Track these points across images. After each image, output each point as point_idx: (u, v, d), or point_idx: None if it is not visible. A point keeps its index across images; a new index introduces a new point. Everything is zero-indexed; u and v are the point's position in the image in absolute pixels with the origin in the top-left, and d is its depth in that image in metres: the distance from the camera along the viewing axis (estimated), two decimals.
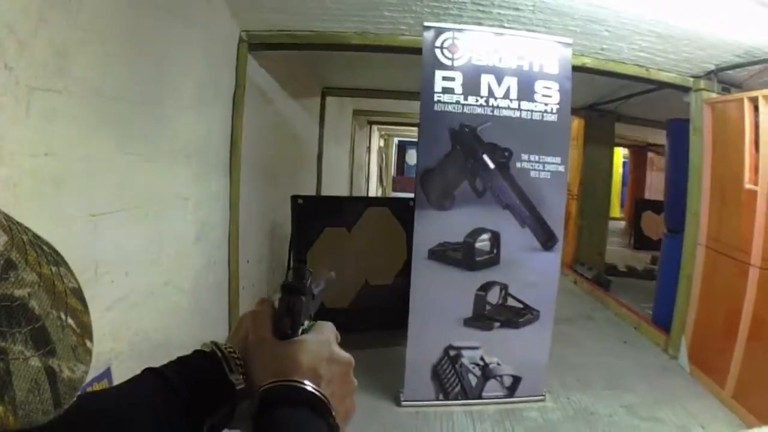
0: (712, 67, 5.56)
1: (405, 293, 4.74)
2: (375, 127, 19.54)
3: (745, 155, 5.06)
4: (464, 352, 4.75)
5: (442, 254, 4.63)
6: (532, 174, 4.68)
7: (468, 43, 4.62)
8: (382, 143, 24.00)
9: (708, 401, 5.05)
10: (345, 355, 0.90)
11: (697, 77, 5.78)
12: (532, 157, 4.68)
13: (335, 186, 11.37)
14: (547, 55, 4.72)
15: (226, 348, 0.90)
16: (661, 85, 6.07)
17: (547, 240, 4.75)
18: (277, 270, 6.30)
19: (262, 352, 0.88)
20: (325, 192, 9.65)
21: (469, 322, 4.73)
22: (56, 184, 2.51)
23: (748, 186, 5.01)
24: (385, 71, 7.82)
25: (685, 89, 5.92)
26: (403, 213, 6.10)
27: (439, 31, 4.60)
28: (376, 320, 5.85)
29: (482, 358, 4.77)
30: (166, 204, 3.91)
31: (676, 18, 4.64)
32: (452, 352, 4.74)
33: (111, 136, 3.02)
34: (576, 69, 4.99)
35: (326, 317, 0.92)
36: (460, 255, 4.66)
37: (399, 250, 5.99)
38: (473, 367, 4.77)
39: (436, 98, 4.56)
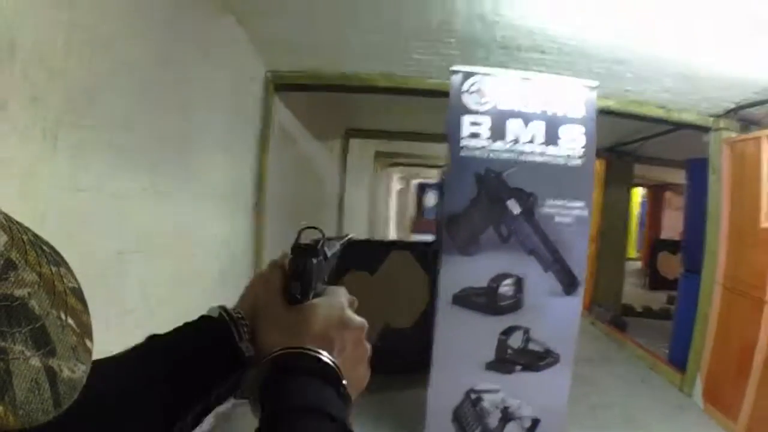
0: (732, 106, 5.56)
1: (426, 336, 4.70)
2: (395, 169, 19.57)
3: (762, 193, 5.08)
4: (485, 396, 4.70)
5: (466, 299, 4.60)
6: (557, 219, 4.65)
7: (495, 87, 4.61)
8: (401, 185, 24.11)
9: None
10: (358, 319, 0.86)
11: (717, 116, 5.78)
12: (556, 202, 4.65)
13: (355, 227, 11.34)
14: (573, 99, 4.69)
15: (235, 312, 0.87)
16: (682, 126, 6.08)
17: (569, 284, 4.71)
18: None
19: (271, 317, 0.85)
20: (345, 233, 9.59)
21: (491, 366, 4.68)
22: (84, 220, 2.50)
23: (764, 225, 5.02)
24: (408, 114, 7.85)
25: (705, 129, 5.92)
26: (424, 256, 6.09)
27: (467, 75, 4.59)
28: (396, 364, 5.77)
29: (503, 401, 4.72)
30: (193, 242, 3.92)
31: (697, 56, 4.62)
32: (473, 396, 4.69)
33: (140, 173, 3.03)
34: (600, 112, 4.95)
35: None
36: (483, 300, 4.63)
37: (421, 294, 5.96)
38: (494, 410, 4.72)
39: (462, 143, 4.55)
